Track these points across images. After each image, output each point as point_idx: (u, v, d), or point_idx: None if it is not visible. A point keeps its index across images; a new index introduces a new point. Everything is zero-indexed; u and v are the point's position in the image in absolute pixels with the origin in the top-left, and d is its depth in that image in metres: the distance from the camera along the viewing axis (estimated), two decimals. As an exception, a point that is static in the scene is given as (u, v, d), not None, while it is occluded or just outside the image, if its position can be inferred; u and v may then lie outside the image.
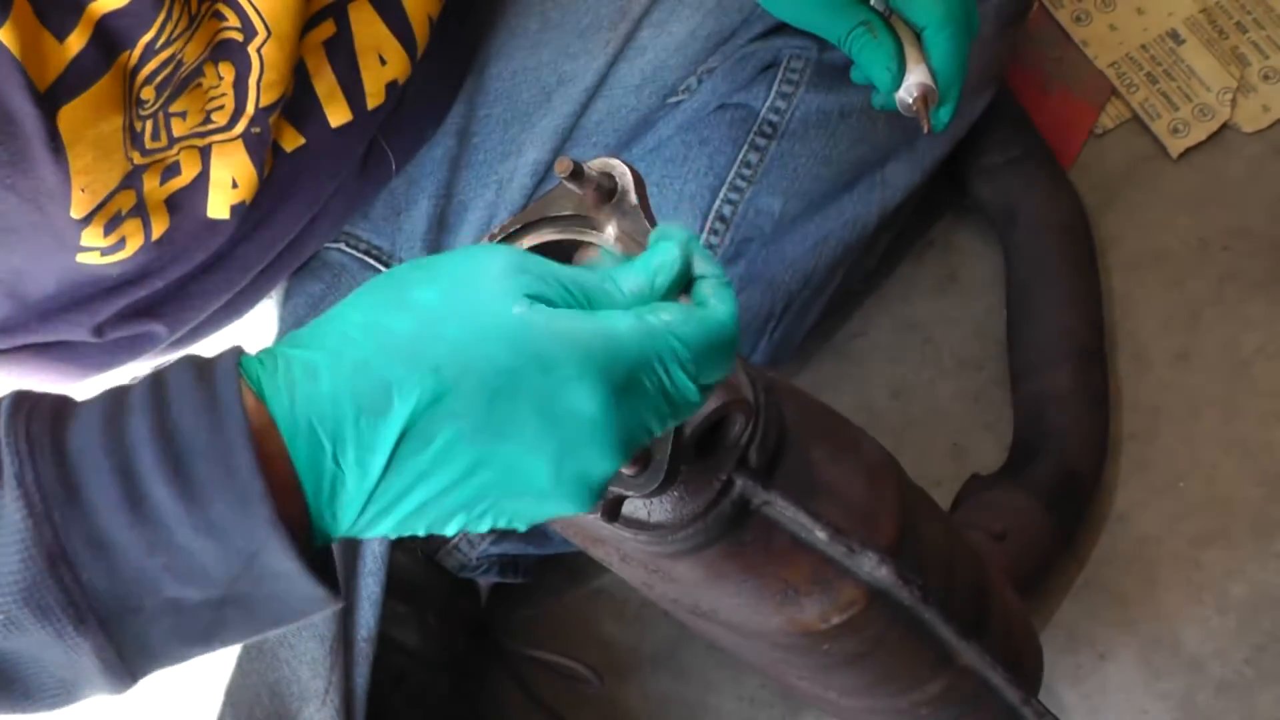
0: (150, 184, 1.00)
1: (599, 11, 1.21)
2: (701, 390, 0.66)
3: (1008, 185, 1.42)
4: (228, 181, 1.03)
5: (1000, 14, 1.30)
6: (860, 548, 0.80)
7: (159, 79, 0.94)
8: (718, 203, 1.22)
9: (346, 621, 1.17)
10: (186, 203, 1.03)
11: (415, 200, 1.21)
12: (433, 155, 1.21)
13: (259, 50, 0.98)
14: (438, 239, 1.21)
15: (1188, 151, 1.47)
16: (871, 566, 0.81)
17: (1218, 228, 1.44)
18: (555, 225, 0.76)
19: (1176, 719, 1.30)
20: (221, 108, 1.00)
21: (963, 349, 1.44)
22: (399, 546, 1.29)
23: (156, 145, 0.98)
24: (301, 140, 1.08)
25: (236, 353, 0.63)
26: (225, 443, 0.60)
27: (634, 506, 0.79)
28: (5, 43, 0.84)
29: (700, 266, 0.68)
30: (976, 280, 1.46)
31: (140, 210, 1.00)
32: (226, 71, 0.99)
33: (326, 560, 0.64)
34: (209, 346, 1.16)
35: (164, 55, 0.93)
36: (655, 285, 0.66)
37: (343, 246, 1.21)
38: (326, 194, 1.13)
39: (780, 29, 1.22)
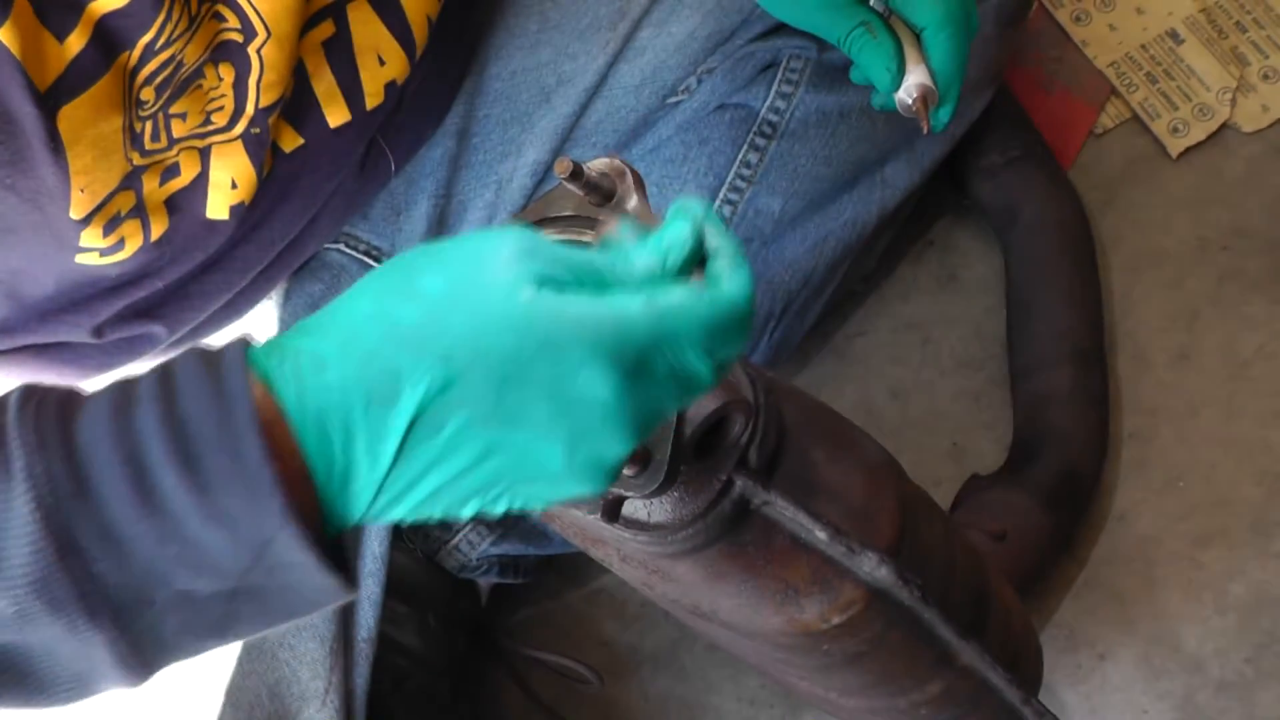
0: (150, 185, 1.00)
1: (598, 12, 1.21)
2: (716, 370, 0.65)
3: (1007, 185, 1.42)
4: (227, 182, 1.03)
5: (1000, 14, 1.30)
6: (860, 548, 0.80)
7: (158, 80, 0.94)
8: (717, 203, 1.22)
9: (346, 622, 1.17)
10: (185, 204, 1.03)
11: (415, 201, 1.21)
12: (432, 156, 1.21)
13: (259, 51, 0.98)
14: (437, 240, 1.21)
15: (1187, 151, 1.47)
16: (871, 567, 0.81)
17: (1217, 227, 1.44)
18: (555, 225, 0.76)
19: (1176, 719, 1.30)
20: (221, 109, 1.00)
21: (962, 349, 1.44)
22: (399, 547, 1.29)
23: (156, 146, 0.98)
24: (300, 140, 1.08)
25: (243, 343, 0.63)
26: (234, 433, 0.60)
27: (634, 507, 0.79)
28: (5, 42, 0.84)
29: (715, 242, 0.66)
30: (976, 280, 1.46)
31: (139, 211, 1.00)
32: (226, 73, 0.99)
33: (339, 551, 0.63)
34: (209, 347, 1.16)
35: (163, 56, 0.93)
36: (667, 264, 0.65)
37: (342, 247, 1.21)
38: (325, 194, 1.13)
39: (780, 29, 1.22)
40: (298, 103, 1.06)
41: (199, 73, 0.98)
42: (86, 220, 0.96)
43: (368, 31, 1.08)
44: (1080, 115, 1.49)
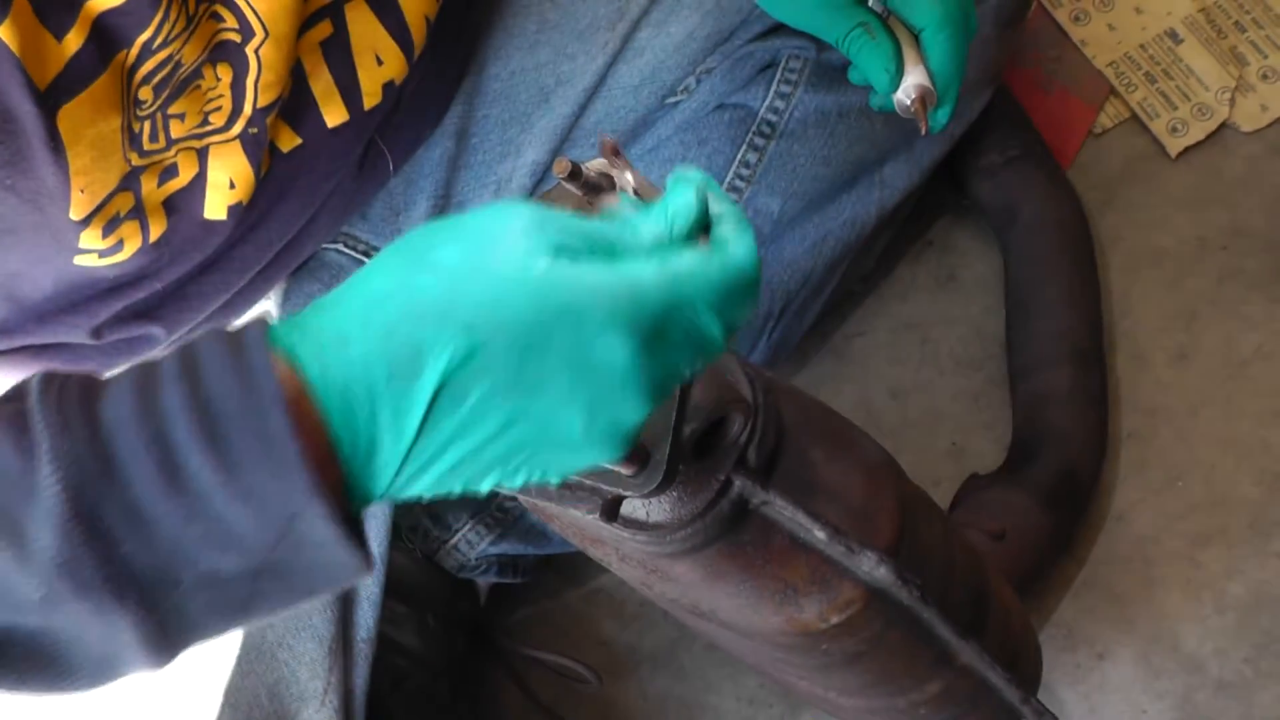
0: (148, 185, 1.00)
1: (597, 12, 1.21)
2: (726, 332, 0.66)
3: (1006, 185, 1.42)
4: (225, 182, 1.03)
5: (999, 14, 1.30)
6: (859, 547, 0.80)
7: (156, 79, 0.94)
8: (716, 203, 1.22)
9: (345, 622, 1.17)
10: (184, 204, 1.03)
11: (413, 201, 1.21)
12: (431, 156, 1.21)
13: (256, 51, 0.98)
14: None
15: (1186, 151, 1.47)
16: (870, 566, 0.81)
17: (1216, 227, 1.44)
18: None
19: (1175, 718, 1.30)
20: (219, 109, 1.00)
21: (961, 349, 1.44)
22: (398, 547, 1.29)
23: (154, 147, 0.98)
24: (298, 140, 1.08)
25: (264, 322, 0.63)
26: (259, 409, 0.60)
27: (632, 507, 0.79)
28: (5, 40, 0.84)
29: (717, 207, 0.67)
30: (975, 280, 1.46)
31: (138, 212, 1.00)
32: (224, 73, 0.99)
33: (359, 529, 0.63)
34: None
35: (161, 55, 0.93)
36: (674, 230, 0.66)
37: (341, 247, 1.21)
38: (324, 194, 1.13)
39: (779, 29, 1.22)
40: (295, 103, 1.06)
41: (197, 73, 0.97)
42: (86, 221, 0.96)
43: (365, 31, 1.08)
44: (1079, 115, 1.49)
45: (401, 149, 1.18)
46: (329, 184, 1.12)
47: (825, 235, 1.26)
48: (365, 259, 1.21)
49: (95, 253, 0.99)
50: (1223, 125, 1.47)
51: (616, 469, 0.73)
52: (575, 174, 0.72)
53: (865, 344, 1.45)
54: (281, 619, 1.15)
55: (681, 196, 0.67)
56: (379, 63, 1.09)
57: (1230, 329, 1.41)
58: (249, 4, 0.97)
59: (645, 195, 0.73)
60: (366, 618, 1.17)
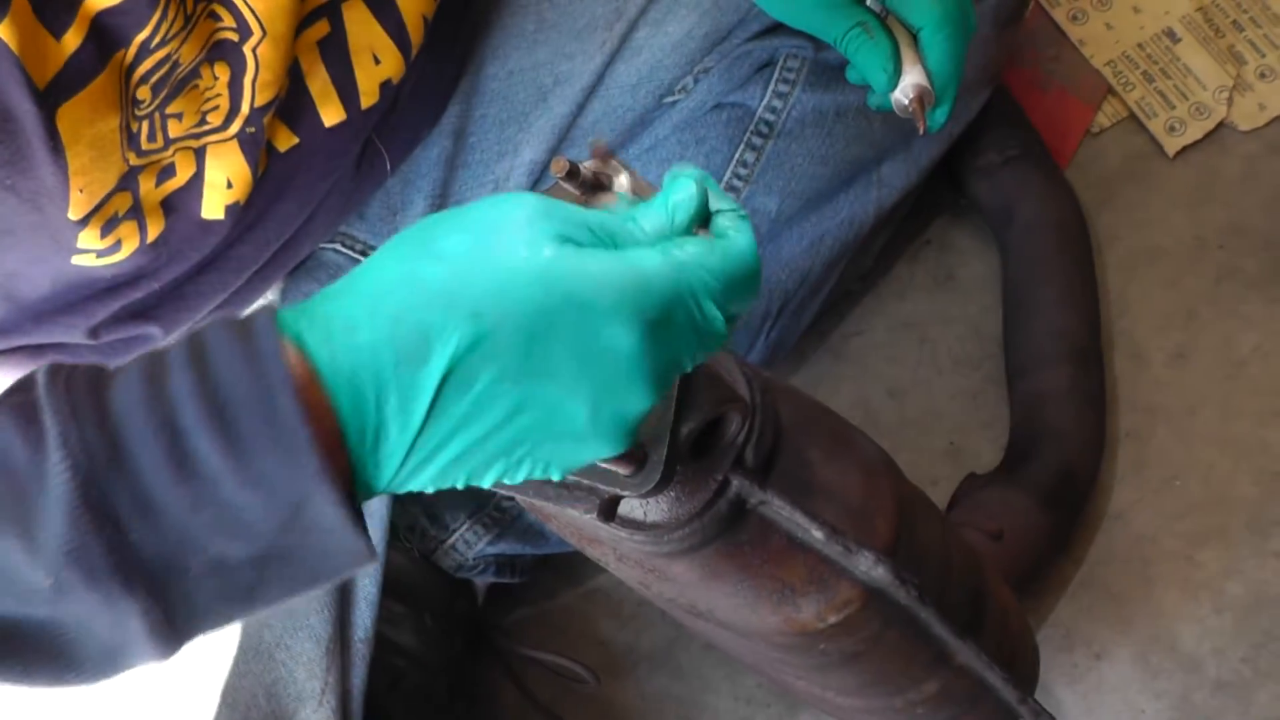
0: (146, 185, 0.99)
1: (595, 11, 1.21)
2: (728, 322, 0.66)
3: (1004, 184, 1.42)
4: (222, 182, 1.03)
5: (997, 14, 1.30)
6: (857, 547, 0.80)
7: (154, 79, 0.94)
8: (714, 202, 1.22)
9: (343, 622, 1.17)
10: (181, 205, 1.03)
11: (411, 200, 1.21)
12: (428, 155, 1.21)
13: (254, 50, 0.98)
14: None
15: (1184, 150, 1.47)
16: (868, 566, 0.81)
17: (1214, 226, 1.44)
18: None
19: (1173, 718, 1.30)
20: (216, 108, 1.00)
21: (959, 348, 1.44)
22: (395, 547, 1.29)
23: (153, 147, 0.98)
24: (295, 140, 1.08)
25: (272, 309, 0.63)
26: (269, 394, 0.60)
27: (630, 507, 0.79)
28: (5, 39, 0.84)
29: (715, 201, 0.68)
30: (973, 279, 1.46)
31: (136, 212, 1.00)
32: (222, 72, 0.99)
33: (362, 520, 0.63)
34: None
35: (159, 55, 0.93)
36: (675, 221, 0.67)
37: (338, 247, 1.21)
38: (321, 194, 1.13)
39: (777, 29, 1.22)
40: (293, 102, 1.06)
41: (195, 73, 0.97)
42: (84, 221, 0.96)
43: (363, 31, 1.07)
44: (1077, 114, 1.49)
45: (399, 148, 1.18)
46: (326, 183, 1.12)
47: (823, 234, 1.26)
48: (363, 259, 1.21)
49: (93, 253, 0.99)
50: (1220, 124, 1.47)
51: (614, 469, 0.73)
52: (573, 173, 0.72)
53: (863, 343, 1.45)
54: (279, 619, 1.15)
55: (683, 189, 0.68)
56: (376, 62, 1.09)
57: (1228, 328, 1.41)
58: (246, 3, 0.97)
59: (642, 195, 0.73)
60: (364, 617, 1.17)
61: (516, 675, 1.34)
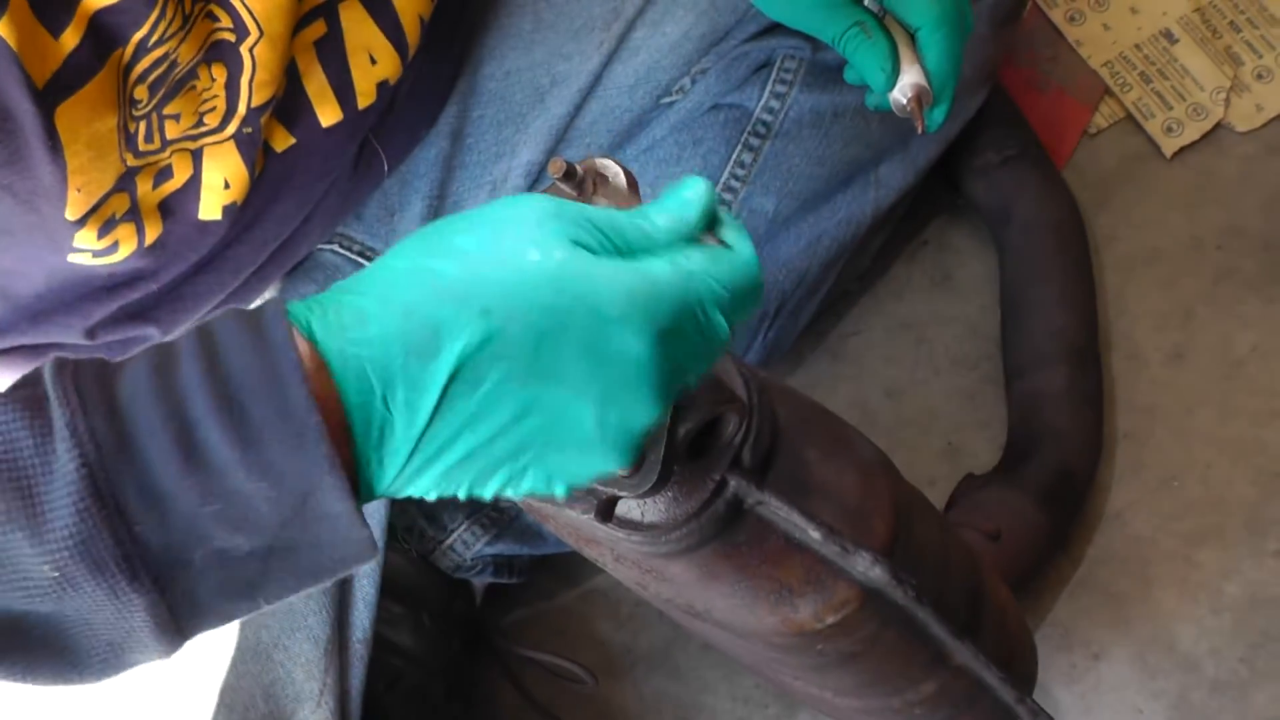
0: (143, 187, 0.99)
1: (592, 12, 1.21)
2: (731, 332, 0.67)
3: (1002, 184, 1.42)
4: (219, 183, 1.03)
5: (994, 14, 1.30)
6: (854, 547, 0.80)
7: (152, 78, 0.94)
8: (712, 203, 1.22)
9: (341, 623, 1.17)
10: (179, 206, 1.03)
11: (409, 201, 1.21)
12: (426, 156, 1.21)
13: (251, 50, 0.98)
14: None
15: (1181, 151, 1.47)
16: (865, 566, 0.81)
17: (1212, 227, 1.44)
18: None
19: (1171, 718, 1.30)
20: (213, 109, 1.00)
21: (957, 348, 1.44)
22: (394, 548, 1.29)
23: (150, 147, 0.98)
24: (292, 140, 1.08)
25: (281, 300, 0.63)
26: (279, 382, 0.59)
27: (628, 507, 0.79)
28: (4, 37, 0.84)
29: (718, 213, 0.69)
30: (971, 279, 1.46)
31: (134, 215, 1.00)
32: (219, 72, 0.99)
33: (363, 516, 0.63)
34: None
35: (157, 54, 0.93)
36: (687, 220, 0.67)
37: (336, 248, 1.21)
38: (318, 194, 1.13)
39: (774, 29, 1.22)
40: (289, 102, 1.06)
41: (192, 73, 0.97)
42: (81, 221, 0.96)
43: (359, 31, 1.07)
44: (1074, 115, 1.49)
45: (396, 149, 1.18)
46: (323, 184, 1.12)
47: (820, 235, 1.26)
48: (361, 259, 1.21)
49: (89, 252, 0.99)
50: (1218, 125, 1.47)
51: (612, 469, 0.73)
52: (570, 174, 0.72)
53: (860, 343, 1.45)
54: (277, 620, 1.15)
55: (692, 187, 0.68)
56: (373, 62, 1.09)
57: (1226, 328, 1.41)
58: (244, 3, 0.97)
59: (631, 202, 0.73)
60: (362, 618, 1.17)
61: (514, 675, 1.34)
